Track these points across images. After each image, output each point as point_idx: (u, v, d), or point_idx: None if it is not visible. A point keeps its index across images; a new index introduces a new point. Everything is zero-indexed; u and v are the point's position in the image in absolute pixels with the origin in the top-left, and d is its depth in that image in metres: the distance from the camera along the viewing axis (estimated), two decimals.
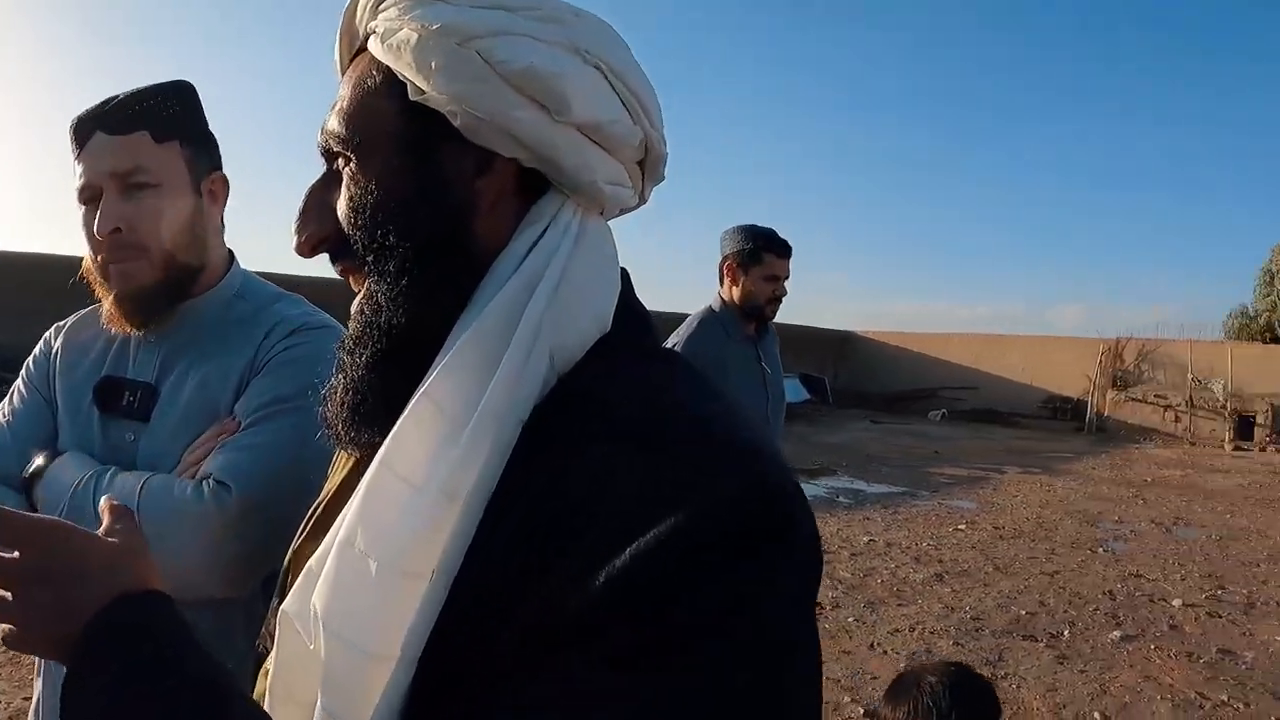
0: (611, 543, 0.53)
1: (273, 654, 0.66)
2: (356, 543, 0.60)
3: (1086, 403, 20.53)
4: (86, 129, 1.22)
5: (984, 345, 23.56)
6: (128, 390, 1.27)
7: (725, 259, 3.07)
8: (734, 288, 3.05)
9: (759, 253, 3.02)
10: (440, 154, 0.66)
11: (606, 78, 0.66)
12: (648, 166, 0.73)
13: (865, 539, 7.45)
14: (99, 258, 1.25)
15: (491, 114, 0.63)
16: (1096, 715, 4.04)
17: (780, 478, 0.58)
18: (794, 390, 21.66)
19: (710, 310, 3.07)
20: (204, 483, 1.13)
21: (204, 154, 1.31)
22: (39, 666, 1.29)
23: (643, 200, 0.75)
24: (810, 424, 17.79)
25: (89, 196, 1.23)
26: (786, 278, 3.11)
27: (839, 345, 25.26)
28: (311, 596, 0.61)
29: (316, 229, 0.70)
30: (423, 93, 0.64)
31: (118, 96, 1.24)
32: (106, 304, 1.28)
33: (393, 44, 0.64)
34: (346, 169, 0.68)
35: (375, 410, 0.67)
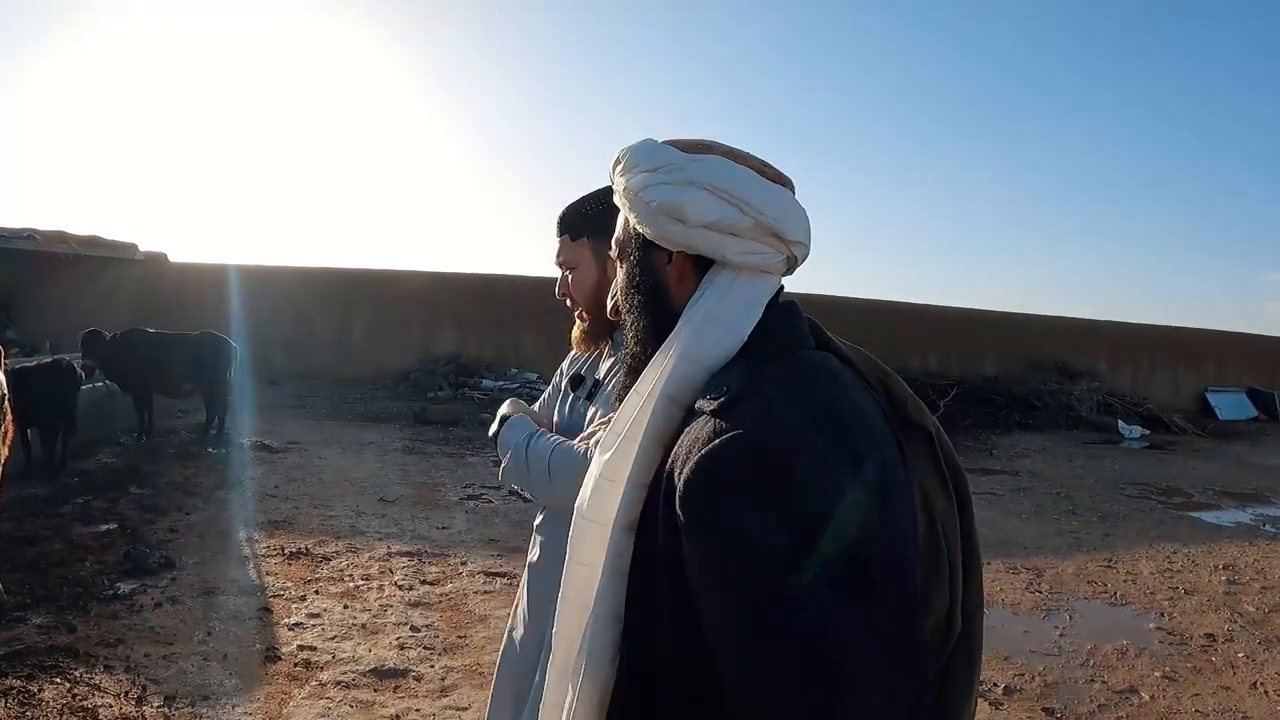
0: (677, 475, 0.96)
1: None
2: (593, 464, 1.12)
3: None
4: (557, 228, 1.99)
5: None
6: (585, 384, 1.96)
7: None
8: None
9: None
10: (649, 255, 1.16)
11: (713, 193, 1.07)
12: (778, 234, 1.09)
13: None
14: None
15: (657, 231, 1.11)
16: None
17: (780, 441, 0.91)
18: (1239, 406, 19.62)
19: None
20: (586, 443, 1.76)
21: (605, 240, 1.73)
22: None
23: (794, 255, 1.12)
24: (1253, 444, 15.97)
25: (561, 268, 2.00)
26: None
27: None
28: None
29: (612, 305, 1.28)
30: (632, 223, 1.16)
31: (571, 202, 1.97)
32: (576, 331, 2.00)
33: (618, 196, 1.18)
34: (619, 267, 1.23)
35: (625, 393, 1.15)
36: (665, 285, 1.14)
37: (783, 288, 1.15)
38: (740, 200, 1.06)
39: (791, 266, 1.13)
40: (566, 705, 1.06)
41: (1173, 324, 21.15)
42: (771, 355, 1.04)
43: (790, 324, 1.10)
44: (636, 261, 1.17)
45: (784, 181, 1.13)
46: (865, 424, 0.98)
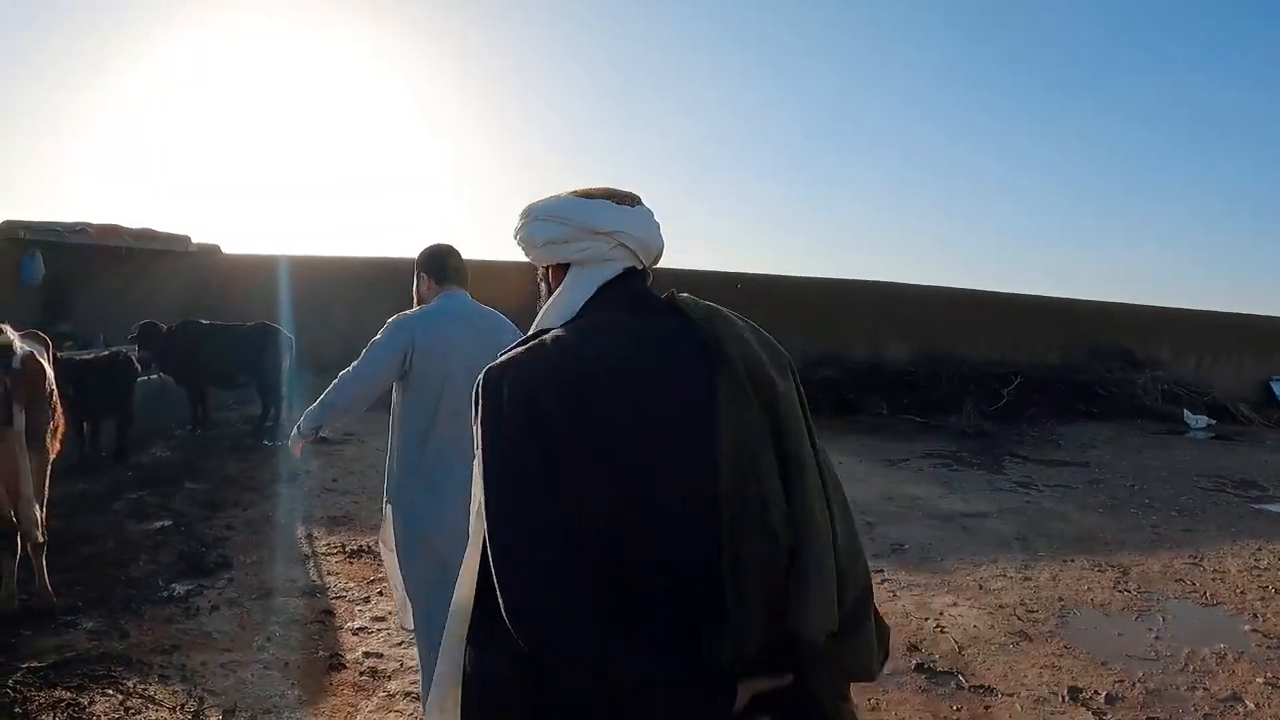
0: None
1: None
2: None
3: None
4: None
5: None
6: None
7: None
8: None
9: None
10: (537, 275, 1.55)
11: (550, 221, 1.46)
12: (593, 230, 1.45)
13: None
14: None
15: (531, 258, 1.52)
16: None
17: (521, 365, 1.32)
18: None
19: None
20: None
21: (421, 271, 3.52)
22: None
23: (622, 243, 1.46)
24: None
25: None
26: None
27: None
28: None
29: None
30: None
31: None
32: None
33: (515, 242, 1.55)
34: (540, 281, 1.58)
35: None
36: (549, 288, 1.51)
37: (640, 271, 1.48)
38: (559, 217, 1.45)
39: (638, 256, 1.47)
40: (464, 569, 1.41)
41: (1235, 310, 20.37)
42: (567, 326, 1.39)
43: (612, 299, 1.42)
44: (534, 281, 1.56)
45: (627, 199, 1.48)
46: (596, 357, 1.31)
